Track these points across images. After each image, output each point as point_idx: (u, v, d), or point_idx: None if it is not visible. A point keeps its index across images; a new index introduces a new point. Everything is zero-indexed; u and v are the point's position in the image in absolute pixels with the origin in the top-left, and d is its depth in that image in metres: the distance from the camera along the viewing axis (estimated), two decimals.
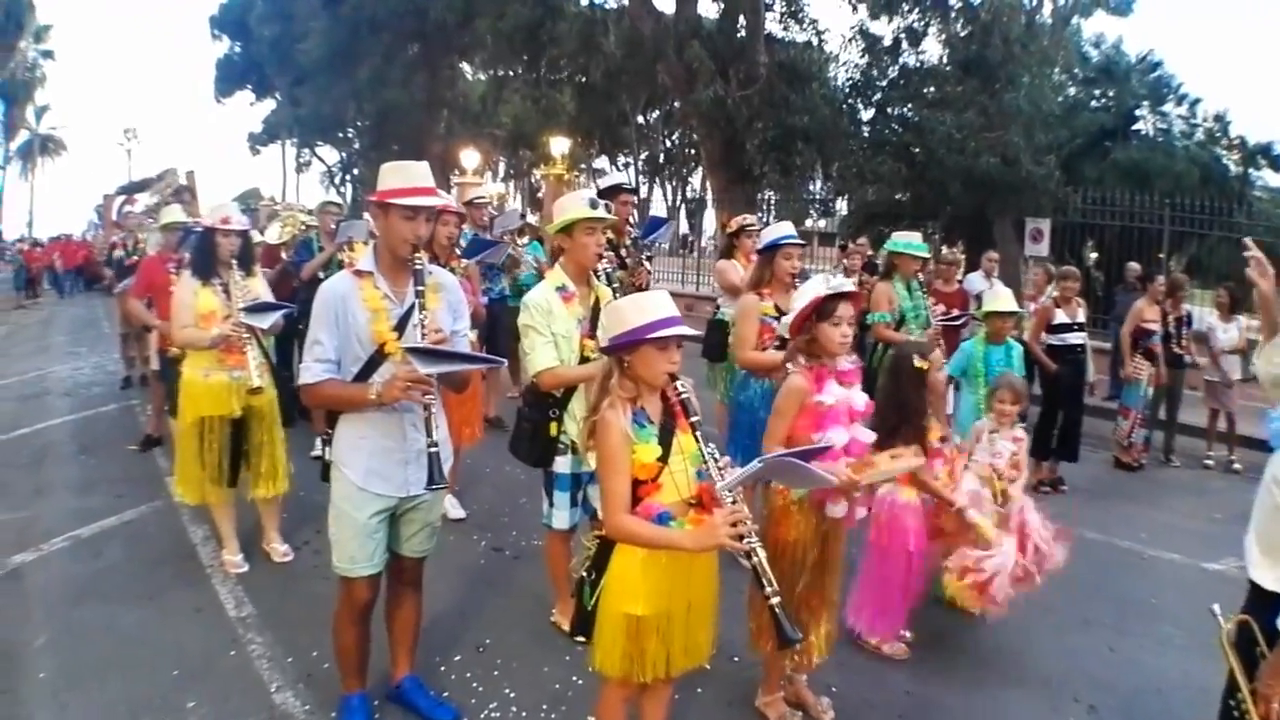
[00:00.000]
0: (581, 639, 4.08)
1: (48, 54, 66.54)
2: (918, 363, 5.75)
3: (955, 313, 9.78)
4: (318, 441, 6.46)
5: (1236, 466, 12.27)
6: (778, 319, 6.76)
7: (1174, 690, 5.88)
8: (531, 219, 16.49)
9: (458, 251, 8.35)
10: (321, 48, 40.50)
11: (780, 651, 4.85)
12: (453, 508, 8.46)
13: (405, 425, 4.60)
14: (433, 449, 4.38)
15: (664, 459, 3.81)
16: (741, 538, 3.50)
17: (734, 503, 3.59)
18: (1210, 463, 12.45)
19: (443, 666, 5.83)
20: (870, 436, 4.93)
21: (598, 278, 5.90)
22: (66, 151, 77.66)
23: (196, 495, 7.24)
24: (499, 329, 11.20)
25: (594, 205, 5.64)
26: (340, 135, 51.15)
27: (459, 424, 7.88)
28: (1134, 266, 16.35)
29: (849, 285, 4.86)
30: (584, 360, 5.56)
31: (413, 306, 4.45)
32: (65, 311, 31.55)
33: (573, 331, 5.57)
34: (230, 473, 7.18)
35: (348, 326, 4.48)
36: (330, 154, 58.67)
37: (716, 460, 3.70)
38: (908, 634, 6.23)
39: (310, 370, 4.49)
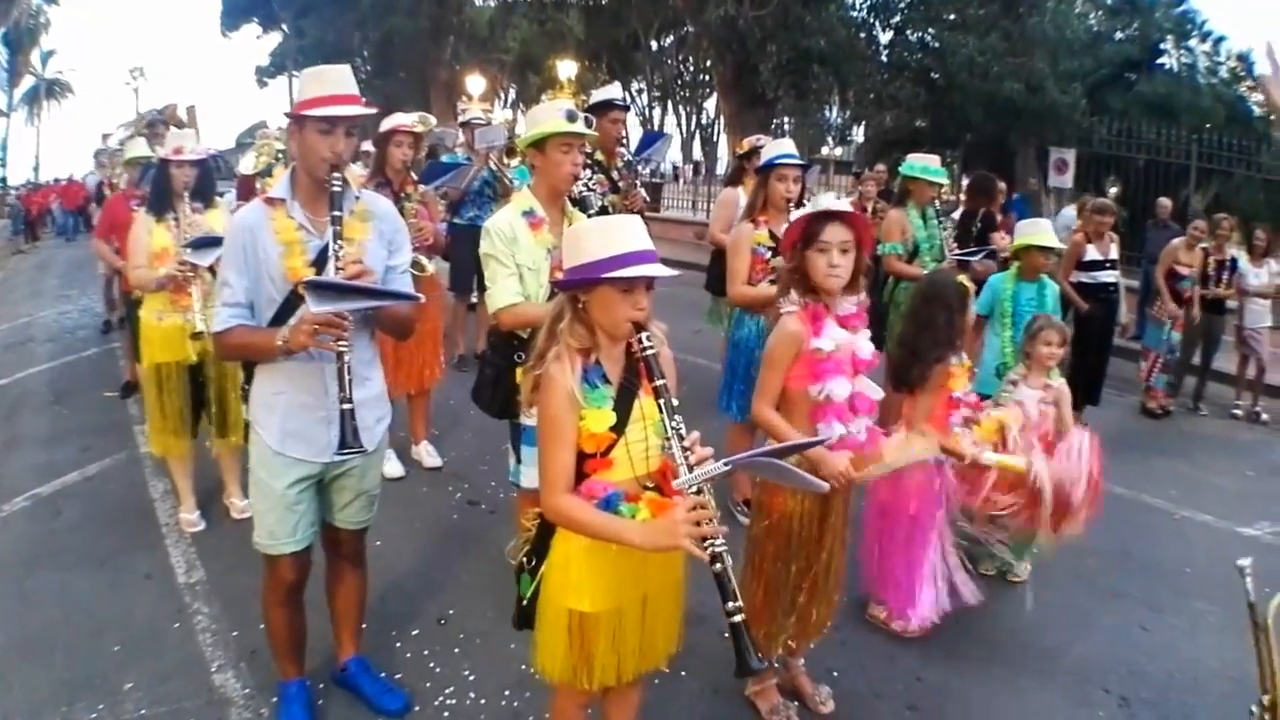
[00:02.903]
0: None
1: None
2: (963, 280, 5.22)
3: (974, 250, 9.08)
4: None
5: (1264, 417, 11.72)
6: (773, 249, 6.16)
7: (1210, 680, 5.33)
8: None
9: (414, 176, 7.68)
10: None
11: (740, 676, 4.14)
12: (428, 455, 7.96)
13: (327, 378, 3.89)
14: (345, 406, 3.71)
15: (619, 429, 3.15)
16: (705, 540, 2.84)
17: (698, 493, 2.90)
18: (1239, 412, 11.89)
19: (398, 642, 5.30)
20: (878, 393, 4.27)
21: (573, 203, 5.27)
22: (74, 94, 77.79)
23: (161, 445, 6.77)
24: None
25: (571, 117, 4.90)
26: (346, 64, 50.69)
27: (419, 366, 7.47)
28: (1165, 202, 15.70)
29: (839, 204, 4.18)
30: (553, 296, 4.87)
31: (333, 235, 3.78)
32: (62, 254, 30.85)
33: (541, 263, 4.89)
34: (190, 423, 6.70)
35: (258, 264, 3.85)
36: None
37: (682, 438, 2.97)
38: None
39: (218, 316, 3.88)
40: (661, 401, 3.03)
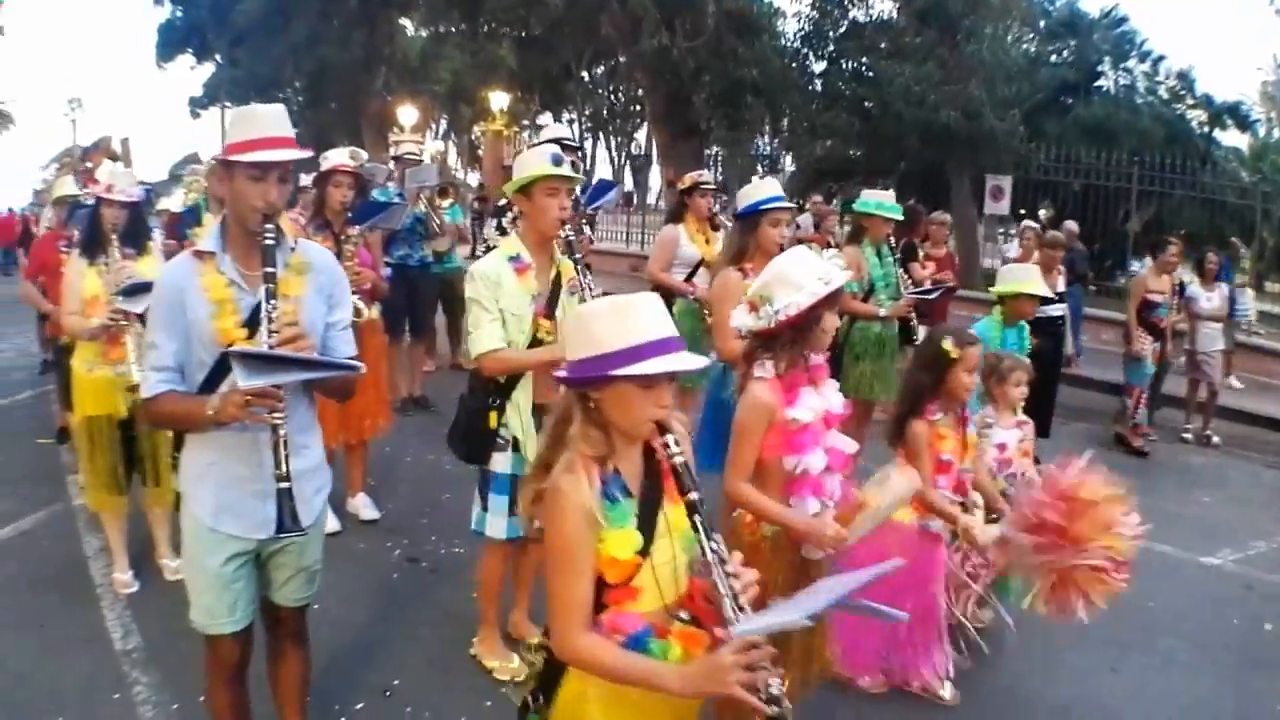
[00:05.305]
0: None
1: None
2: (946, 345, 4.91)
3: (929, 285, 8.88)
4: None
5: (1215, 440, 11.72)
6: None
7: None
8: (473, 178, 15.50)
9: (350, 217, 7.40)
10: (258, 5, 39.47)
11: None
12: (365, 508, 7.61)
13: (263, 449, 3.52)
14: (283, 485, 3.40)
15: (645, 551, 2.70)
16: (759, 690, 2.42)
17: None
18: (1189, 435, 11.86)
19: (342, 717, 4.98)
20: (851, 446, 4.04)
21: (560, 249, 5.10)
22: (14, 125, 77.05)
23: (95, 501, 6.49)
24: (419, 300, 10.56)
25: (557, 161, 4.79)
26: (278, 95, 50.26)
27: (358, 415, 7.15)
28: (1070, 226, 15.49)
29: (846, 275, 3.94)
30: (536, 343, 4.85)
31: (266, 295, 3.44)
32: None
33: (525, 309, 4.80)
34: (124, 478, 6.39)
35: (187, 324, 3.51)
36: None
37: (724, 562, 2.58)
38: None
39: (146, 381, 3.55)
40: (697, 519, 2.63)
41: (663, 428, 2.67)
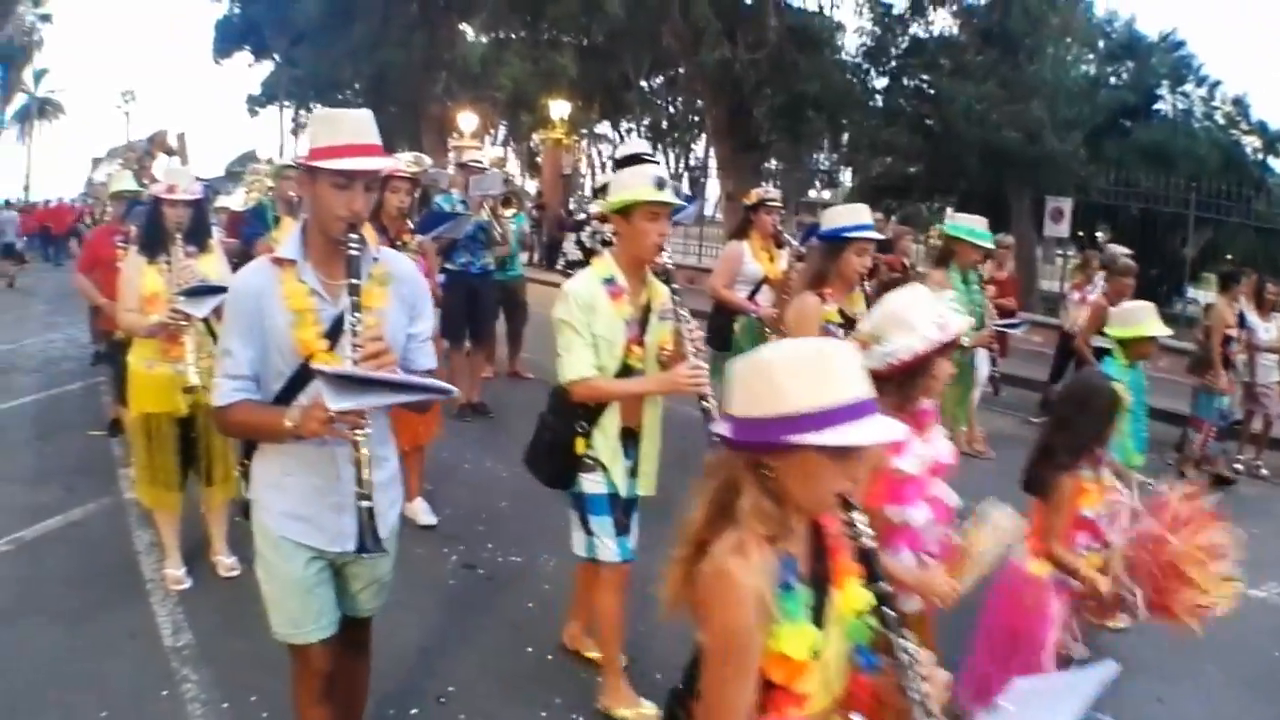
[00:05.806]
0: None
1: (46, 17, 66.81)
2: (1121, 393, 4.62)
3: (1014, 319, 8.78)
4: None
5: (1264, 472, 11.53)
6: (843, 325, 5.65)
7: None
8: (531, 186, 15.59)
9: (410, 225, 7.33)
10: (319, 5, 39.62)
11: None
12: (423, 513, 7.60)
13: (340, 461, 3.41)
14: (365, 504, 3.23)
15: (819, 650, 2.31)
16: None
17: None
18: (1239, 466, 11.62)
19: None
20: (954, 500, 3.94)
21: (657, 274, 4.87)
22: (65, 115, 77.81)
23: (150, 497, 6.47)
24: (480, 308, 10.59)
25: (660, 185, 4.57)
26: (338, 96, 50.27)
27: (412, 421, 7.00)
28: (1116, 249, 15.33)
29: (966, 322, 3.87)
30: (627, 371, 4.67)
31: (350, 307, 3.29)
32: (50, 278, 30.32)
33: (618, 335, 4.62)
34: (180, 476, 6.41)
35: (265, 333, 3.38)
36: None
37: (915, 662, 2.27)
38: None
39: (219, 389, 3.42)
40: (887, 613, 2.32)
41: (846, 504, 2.31)
